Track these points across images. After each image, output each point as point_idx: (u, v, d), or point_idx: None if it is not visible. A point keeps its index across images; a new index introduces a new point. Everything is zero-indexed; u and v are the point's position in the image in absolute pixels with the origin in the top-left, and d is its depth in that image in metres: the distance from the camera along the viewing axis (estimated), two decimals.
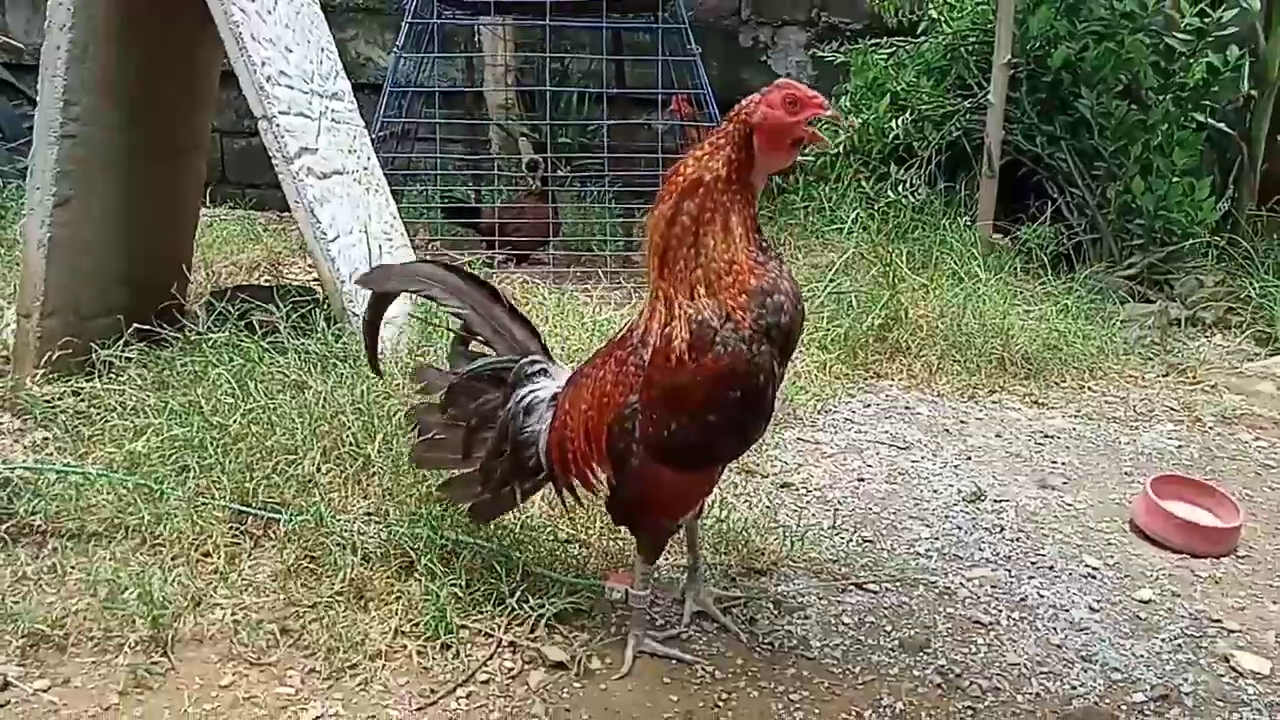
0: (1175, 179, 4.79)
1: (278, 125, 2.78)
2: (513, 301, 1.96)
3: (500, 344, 1.92)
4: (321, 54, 3.57)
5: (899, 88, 5.24)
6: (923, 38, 5.57)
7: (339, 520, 2.08)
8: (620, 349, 1.75)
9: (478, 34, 6.86)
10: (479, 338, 1.94)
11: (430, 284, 1.90)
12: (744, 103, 1.57)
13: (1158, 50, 4.96)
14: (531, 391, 1.87)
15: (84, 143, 2.88)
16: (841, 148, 5.38)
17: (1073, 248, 4.98)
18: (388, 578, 1.99)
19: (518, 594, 1.95)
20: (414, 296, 2.02)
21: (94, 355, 2.73)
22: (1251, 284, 4.56)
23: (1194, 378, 3.87)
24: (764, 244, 1.62)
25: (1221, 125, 5.08)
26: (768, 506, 2.50)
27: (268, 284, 3.85)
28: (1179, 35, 4.93)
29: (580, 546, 2.20)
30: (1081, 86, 4.91)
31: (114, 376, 2.70)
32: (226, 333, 2.73)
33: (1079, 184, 5.01)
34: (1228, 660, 1.94)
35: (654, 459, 1.69)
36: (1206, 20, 4.86)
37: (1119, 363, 3.93)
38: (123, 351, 2.74)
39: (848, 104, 5.61)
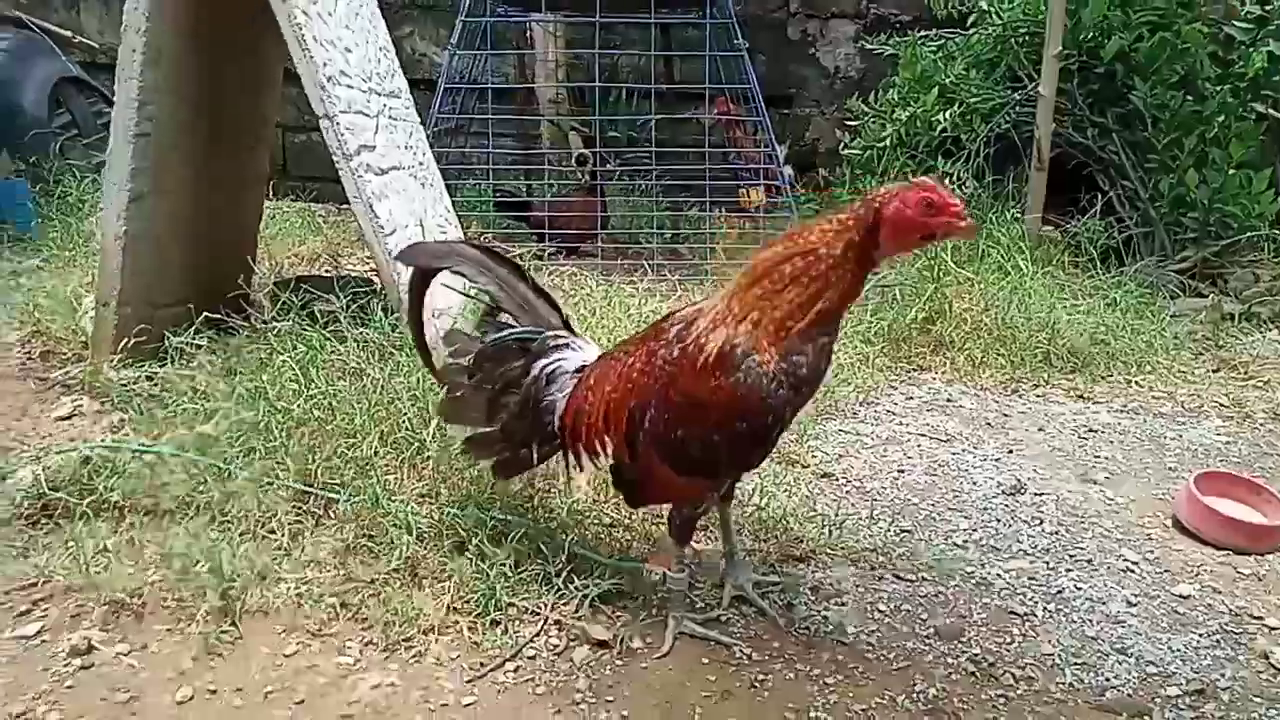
0: (1232, 171, 4.70)
1: (338, 123, 2.90)
2: (535, 279, 2.05)
3: (525, 318, 2.02)
4: (380, 53, 3.68)
5: (947, 80, 5.21)
6: (972, 29, 5.53)
7: (394, 501, 2.19)
8: (655, 340, 1.83)
9: (529, 31, 6.96)
10: (505, 312, 2.03)
11: (461, 261, 2.01)
12: (880, 191, 1.59)
13: (1215, 40, 4.87)
14: (556, 362, 1.98)
15: (156, 142, 3.02)
16: (889, 140, 5.37)
17: (1123, 241, 4.92)
18: (440, 556, 2.09)
19: (564, 574, 2.03)
20: (465, 285, 2.11)
21: (166, 342, 2.88)
22: None
23: (1246, 373, 3.82)
24: (831, 329, 1.66)
25: None
26: (807, 496, 2.55)
27: (328, 275, 3.98)
28: (1239, 24, 4.84)
29: (623, 530, 2.28)
30: (1135, 78, 4.84)
31: (185, 362, 2.84)
32: (290, 322, 2.86)
33: (1131, 176, 4.95)
34: (1267, 657, 1.95)
35: (655, 454, 1.78)
36: (1268, 8, 4.76)
37: (1168, 358, 3.88)
38: (193, 339, 2.88)
39: (895, 97, 5.60)
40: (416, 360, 2.70)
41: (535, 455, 2.00)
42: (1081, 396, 3.48)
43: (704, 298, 1.84)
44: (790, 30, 7.46)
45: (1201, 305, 4.59)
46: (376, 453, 2.35)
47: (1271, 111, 4.94)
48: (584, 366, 1.97)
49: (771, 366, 1.63)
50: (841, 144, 5.97)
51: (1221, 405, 3.44)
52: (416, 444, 2.39)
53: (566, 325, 2.04)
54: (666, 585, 1.98)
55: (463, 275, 2.02)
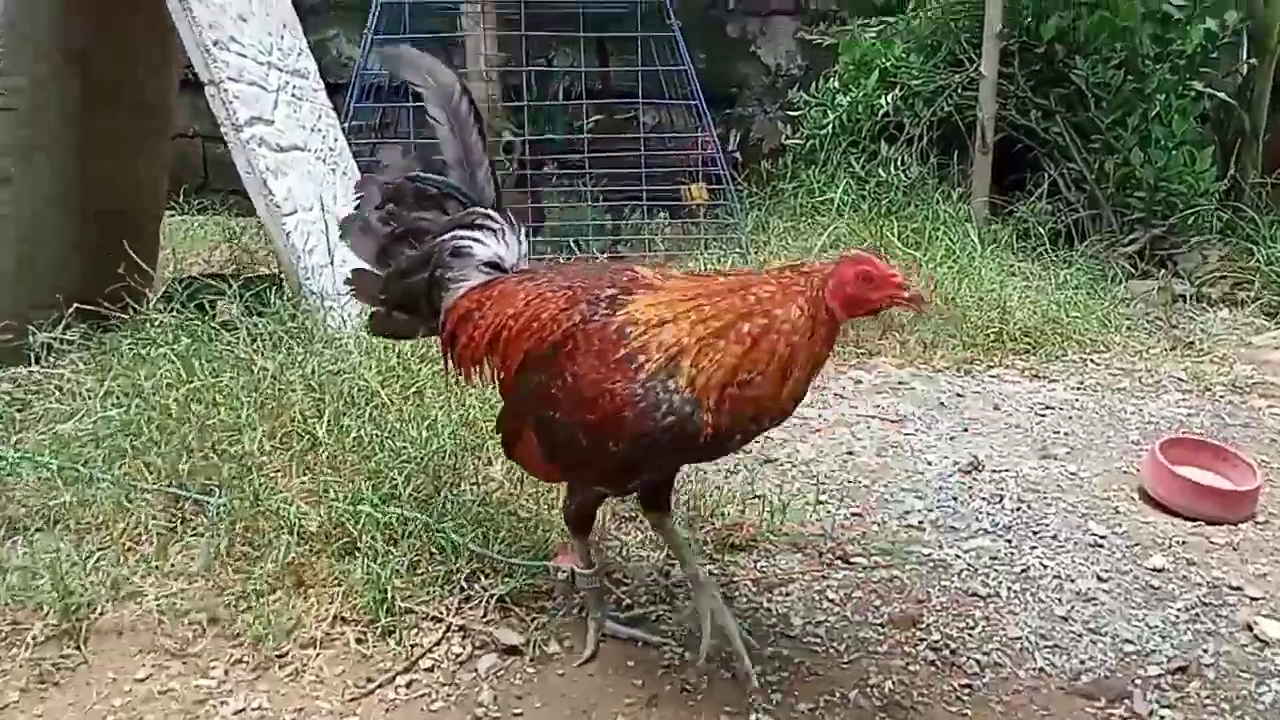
0: (1175, 150, 4.63)
1: (226, 91, 2.64)
2: (488, 140, 1.78)
3: (457, 173, 1.74)
4: (284, 29, 3.43)
5: (888, 63, 5.08)
6: (912, 13, 5.42)
7: (276, 498, 1.91)
8: (585, 294, 1.53)
9: (460, 26, 6.73)
10: (440, 157, 1.75)
11: (426, 79, 1.73)
12: (817, 268, 1.42)
13: (1153, 18, 4.81)
14: (472, 240, 1.70)
15: (27, 117, 2.73)
16: (831, 128, 5.22)
17: (1071, 224, 4.82)
18: (329, 560, 1.83)
19: (469, 574, 1.78)
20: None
21: (32, 338, 2.57)
22: (1259, 255, 4.38)
23: (1202, 350, 3.70)
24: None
25: (1222, 94, 4.92)
26: (747, 480, 2.33)
27: (226, 273, 3.68)
28: (1174, 1, 4.79)
29: (544, 527, 2.03)
30: (1075, 57, 4.75)
31: (54, 360, 2.54)
32: (173, 314, 2.57)
33: (1076, 158, 4.85)
34: (1250, 629, 1.77)
35: (525, 416, 1.57)
36: None
37: (1123, 337, 3.76)
38: (64, 334, 2.57)
39: (836, 84, 5.46)
40: (313, 348, 2.46)
41: (418, 330, 1.79)
42: (1036, 375, 3.31)
43: (654, 272, 1.56)
44: (730, 28, 7.33)
45: (1152, 287, 4.50)
46: (261, 448, 2.08)
47: (1211, 90, 4.90)
48: (497, 263, 1.70)
49: (681, 408, 1.38)
50: (784, 136, 5.82)
51: (1180, 380, 3.30)
52: (308, 438, 2.12)
53: (498, 205, 1.75)
54: (577, 583, 1.74)
55: (420, 92, 1.75)
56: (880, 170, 4.92)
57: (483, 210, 1.72)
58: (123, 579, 1.78)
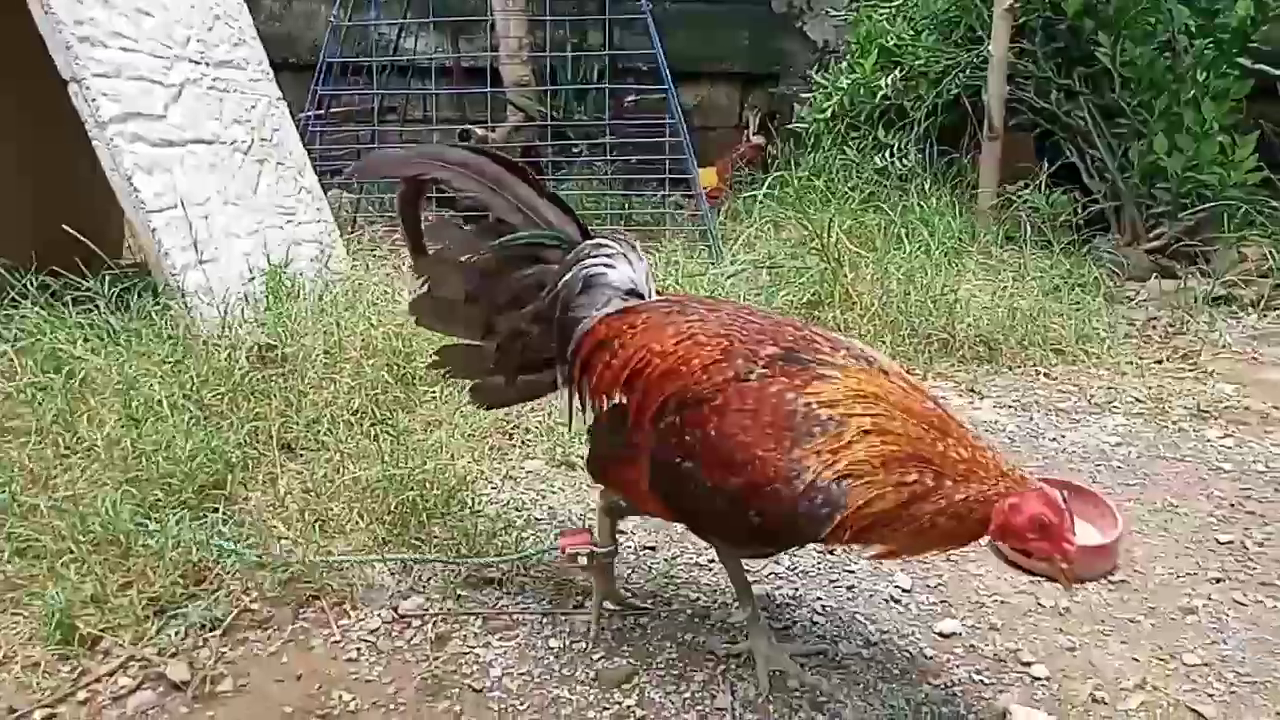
0: (1206, 136, 4.10)
1: (89, 89, 2.64)
2: (542, 182, 1.67)
3: (524, 221, 1.64)
4: (215, 20, 3.44)
5: (889, 42, 4.71)
6: None
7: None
8: (742, 347, 1.44)
9: (490, 9, 6.68)
10: (505, 224, 1.63)
11: (433, 166, 1.63)
12: (1011, 478, 1.34)
13: None
14: (599, 269, 1.59)
15: None
16: (831, 110, 4.90)
17: (1095, 216, 4.37)
18: (43, 574, 1.79)
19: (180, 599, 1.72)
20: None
21: None
22: None
23: (1194, 364, 3.29)
24: None
25: (1274, 71, 4.32)
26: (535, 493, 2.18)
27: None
28: None
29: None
30: (1100, 33, 4.27)
31: None
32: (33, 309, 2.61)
33: (1098, 144, 4.38)
34: (1005, 717, 1.52)
35: (648, 459, 1.47)
36: None
37: (1104, 348, 3.36)
38: None
39: (845, 65, 5.12)
40: (149, 348, 2.45)
41: (542, 382, 1.68)
42: (972, 389, 3.00)
43: (833, 347, 1.46)
44: (775, 3, 7.00)
45: (1175, 286, 4.04)
46: (39, 455, 2.07)
47: (1264, 67, 4.31)
48: (634, 290, 1.61)
49: (831, 494, 1.31)
50: (794, 117, 5.51)
51: (1136, 400, 2.92)
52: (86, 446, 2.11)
53: (588, 234, 1.66)
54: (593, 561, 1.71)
55: (441, 184, 1.64)
56: (877, 158, 4.60)
57: (593, 241, 1.62)
58: None
